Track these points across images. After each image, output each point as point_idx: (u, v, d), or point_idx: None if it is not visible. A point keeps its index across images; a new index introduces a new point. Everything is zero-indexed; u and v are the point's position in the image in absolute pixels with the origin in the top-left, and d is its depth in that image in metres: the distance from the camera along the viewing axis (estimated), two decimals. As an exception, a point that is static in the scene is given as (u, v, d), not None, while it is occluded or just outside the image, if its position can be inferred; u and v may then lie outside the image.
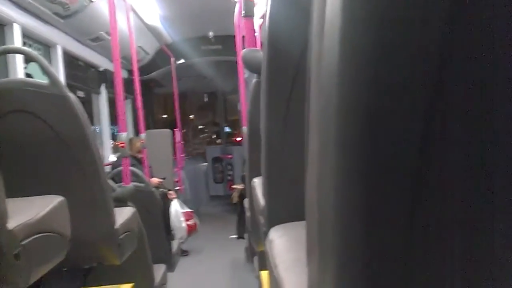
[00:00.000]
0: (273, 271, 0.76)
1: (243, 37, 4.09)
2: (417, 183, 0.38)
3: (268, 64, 1.11)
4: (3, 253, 1.11)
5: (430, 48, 0.36)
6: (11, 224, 1.14)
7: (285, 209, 1.18)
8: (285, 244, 0.86)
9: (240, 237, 4.73)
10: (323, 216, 0.42)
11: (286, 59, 1.10)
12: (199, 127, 9.71)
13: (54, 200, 1.40)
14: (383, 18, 0.36)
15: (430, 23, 0.36)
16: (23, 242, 1.17)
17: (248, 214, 2.27)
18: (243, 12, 2.44)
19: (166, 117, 8.97)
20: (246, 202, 2.81)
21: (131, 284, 2.25)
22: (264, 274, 2.30)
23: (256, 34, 3.12)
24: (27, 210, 1.27)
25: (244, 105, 3.62)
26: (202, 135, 9.65)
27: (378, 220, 0.39)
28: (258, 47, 2.94)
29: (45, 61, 1.79)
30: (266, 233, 1.24)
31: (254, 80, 1.93)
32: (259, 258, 3.03)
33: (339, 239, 0.40)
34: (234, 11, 3.87)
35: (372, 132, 0.38)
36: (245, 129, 3.22)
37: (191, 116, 9.50)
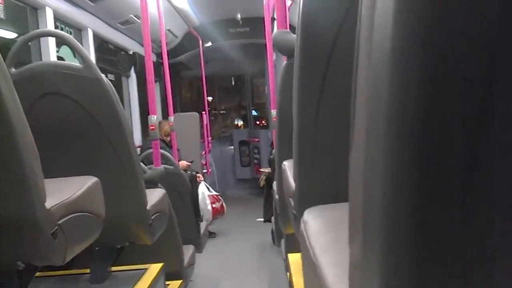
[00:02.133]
0: (309, 251, 0.76)
1: (272, 18, 4.06)
2: (469, 169, 0.38)
3: (302, 46, 1.10)
4: (41, 232, 1.14)
5: (484, 36, 0.35)
6: (49, 203, 1.17)
7: (316, 192, 1.18)
8: (320, 225, 0.86)
9: (267, 220, 4.75)
10: (369, 198, 0.42)
11: (320, 41, 1.08)
12: (225, 110, 9.74)
13: (89, 181, 1.43)
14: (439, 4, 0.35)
15: (484, 10, 0.35)
16: (60, 221, 1.20)
17: (276, 197, 2.27)
18: (274, -7, 2.41)
19: (193, 100, 9.02)
20: (273, 185, 2.81)
21: (161, 264, 2.29)
22: (292, 257, 2.31)
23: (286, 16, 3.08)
24: (63, 190, 1.30)
25: (272, 88, 3.61)
26: (228, 119, 9.68)
27: (428, 203, 0.39)
28: (287, 29, 2.91)
29: (78, 44, 1.81)
30: (296, 216, 1.24)
31: (284, 63, 1.91)
32: (286, 241, 3.04)
33: (386, 221, 0.40)
34: (263, -7, 3.83)
35: (426, 117, 0.37)
36: (273, 112, 3.22)
37: (218, 99, 9.53)
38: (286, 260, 2.69)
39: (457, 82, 0.36)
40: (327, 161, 1.16)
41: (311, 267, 0.73)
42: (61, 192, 1.28)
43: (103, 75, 1.76)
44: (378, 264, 0.41)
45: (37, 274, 2.08)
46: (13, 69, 1.73)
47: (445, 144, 0.37)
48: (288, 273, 2.40)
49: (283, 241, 3.33)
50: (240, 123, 9.43)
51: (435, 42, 0.36)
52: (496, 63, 0.35)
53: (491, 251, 0.39)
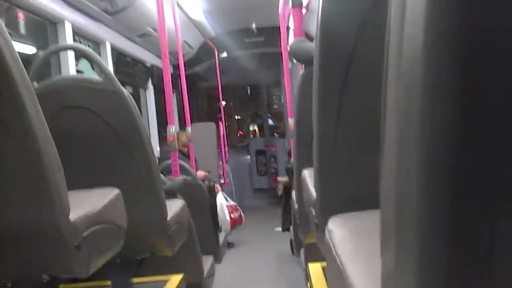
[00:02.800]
0: (335, 260, 0.75)
1: (287, 28, 4.07)
2: (506, 177, 0.37)
3: (321, 54, 1.09)
4: (65, 244, 1.15)
5: None
6: (73, 216, 1.18)
7: (337, 200, 1.17)
8: (345, 234, 0.85)
9: (285, 229, 4.72)
10: (401, 206, 0.41)
11: (339, 48, 1.08)
12: (242, 120, 9.76)
13: (111, 193, 1.44)
14: (470, 6, 0.34)
15: None
16: (84, 234, 1.21)
17: (295, 206, 2.26)
18: (291, 2, 2.41)
19: (209, 111, 9.07)
20: (292, 194, 2.80)
21: (182, 275, 2.29)
22: (312, 266, 2.29)
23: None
24: (86, 202, 1.31)
25: (289, 97, 3.60)
26: (244, 127, 9.69)
27: (461, 213, 0.38)
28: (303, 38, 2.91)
29: (98, 57, 1.84)
30: (318, 225, 1.23)
31: (301, 71, 1.91)
32: (306, 250, 3.02)
33: (420, 230, 0.39)
34: (276, 2, 3.85)
35: (459, 124, 0.36)
36: (291, 121, 3.21)
37: (235, 109, 9.56)
38: (306, 269, 2.67)
39: (493, 90, 0.35)
40: (348, 169, 1.15)
41: (338, 276, 0.73)
42: (84, 204, 1.29)
43: (123, 88, 1.78)
44: (412, 274, 0.40)
45: (60, 286, 2.11)
46: (36, 83, 1.76)
47: (482, 151, 0.36)
48: (308, 283, 2.38)
49: (302, 251, 3.31)
50: (255, 128, 9.44)
51: (468, 49, 0.35)
52: None
53: None
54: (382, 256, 0.50)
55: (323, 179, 1.22)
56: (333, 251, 0.79)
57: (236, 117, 9.62)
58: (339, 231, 0.87)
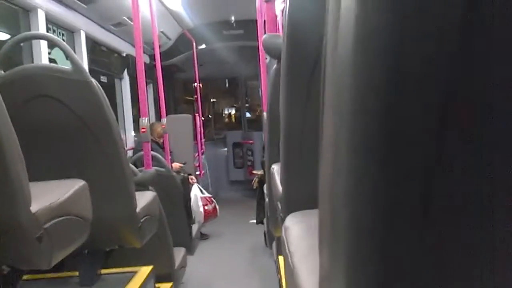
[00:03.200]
0: (288, 258, 0.76)
1: (265, 21, 4.07)
2: (430, 177, 0.38)
3: (289, 50, 1.10)
4: (26, 236, 1.14)
5: (448, 40, 0.35)
6: (34, 207, 1.16)
7: (302, 196, 1.18)
8: (300, 231, 0.86)
9: (259, 222, 4.75)
10: (336, 206, 0.42)
11: (306, 44, 1.09)
12: (219, 112, 9.72)
13: (76, 184, 1.42)
14: (400, 6, 0.35)
15: (448, 13, 0.35)
16: (46, 225, 1.20)
17: (267, 200, 2.27)
18: (265, -4, 2.41)
19: (187, 103, 9.01)
20: (265, 188, 2.81)
21: (151, 267, 2.29)
22: (282, 259, 2.31)
23: (278, 19, 3.09)
24: (50, 194, 1.30)
25: (264, 91, 3.61)
26: (222, 121, 9.66)
27: (391, 212, 0.39)
28: (280, 32, 2.91)
29: (68, 47, 1.81)
30: (283, 220, 1.24)
31: (274, 66, 1.92)
32: (277, 243, 3.04)
33: (352, 230, 0.40)
34: (255, -5, 3.84)
35: (387, 123, 0.37)
36: (266, 114, 3.22)
37: (212, 101, 9.51)
38: (277, 262, 2.69)
39: (418, 93, 0.36)
40: (313, 166, 1.16)
41: (289, 273, 0.74)
42: (47, 195, 1.27)
43: (92, 78, 1.76)
44: (344, 276, 0.41)
45: (26, 277, 2.08)
46: (2, 71, 1.73)
47: (407, 152, 0.37)
48: (279, 275, 2.40)
49: (274, 243, 3.33)
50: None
51: (396, 54, 0.36)
52: (456, 67, 0.36)
53: (452, 257, 0.39)
54: (320, 258, 0.50)
55: (289, 175, 1.23)
56: (287, 248, 0.80)
57: (215, 111, 9.55)
58: (295, 228, 0.88)
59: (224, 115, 9.64)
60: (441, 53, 0.35)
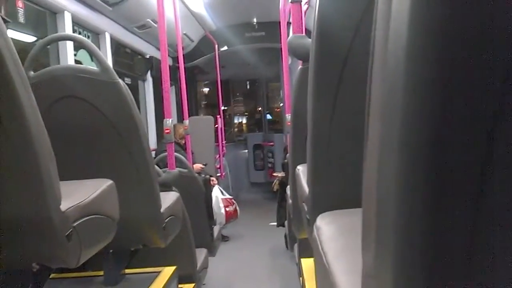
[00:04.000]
0: (322, 258, 0.76)
1: (288, 23, 4.06)
2: (483, 177, 0.37)
3: (317, 50, 1.09)
4: (56, 234, 1.15)
5: (504, 39, 0.34)
6: (64, 205, 1.18)
7: (329, 197, 1.17)
8: (333, 231, 0.86)
9: (280, 224, 4.74)
10: (382, 205, 0.41)
11: (335, 45, 1.08)
12: (240, 114, 9.74)
13: (104, 184, 1.44)
14: (455, 2, 0.34)
15: (502, 11, 0.34)
16: (75, 224, 1.21)
17: (290, 201, 2.26)
18: (290, -3, 2.40)
19: (208, 104, 9.06)
20: (287, 189, 2.80)
21: (174, 267, 2.30)
22: (305, 262, 2.30)
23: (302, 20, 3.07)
24: (79, 193, 1.31)
25: (287, 92, 3.60)
26: (243, 122, 9.68)
27: (441, 211, 0.38)
28: (303, 34, 2.90)
29: (95, 48, 1.83)
30: (309, 221, 1.23)
31: (300, 67, 1.91)
32: (300, 245, 3.03)
33: (400, 229, 0.39)
34: (278, -3, 3.84)
35: (440, 123, 0.36)
36: (288, 116, 3.21)
37: (233, 103, 9.54)
38: (299, 265, 2.68)
39: (473, 88, 0.35)
40: (341, 166, 1.15)
41: (323, 273, 0.73)
42: (76, 194, 1.29)
43: (119, 79, 1.77)
44: (391, 273, 0.40)
45: (52, 275, 2.11)
46: (32, 72, 1.76)
47: (459, 151, 0.36)
48: (301, 278, 2.39)
49: (296, 246, 3.32)
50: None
51: (450, 47, 0.35)
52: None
53: (503, 257, 0.38)
54: (363, 255, 0.50)
55: (316, 176, 1.22)
56: (320, 248, 0.80)
57: (237, 112, 9.57)
58: (327, 228, 0.87)
59: (245, 116, 9.66)
60: (495, 49, 0.34)
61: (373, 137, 0.44)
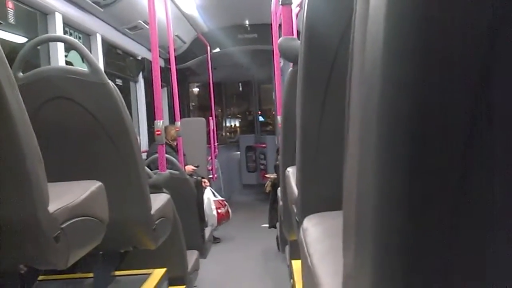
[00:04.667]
0: (307, 260, 0.76)
1: (280, 25, 4.07)
2: (462, 177, 0.37)
3: (306, 53, 1.10)
4: (43, 235, 1.15)
5: (479, 39, 0.35)
6: (52, 207, 1.17)
7: (318, 199, 1.18)
8: (319, 233, 0.86)
9: (272, 226, 4.74)
10: (362, 206, 0.42)
11: (324, 47, 1.08)
12: (233, 115, 9.74)
13: (92, 185, 1.43)
14: (429, 4, 0.35)
15: (477, 11, 0.35)
16: (63, 225, 1.21)
17: (280, 203, 2.27)
18: (281, 0, 2.41)
19: (200, 106, 9.04)
20: (278, 191, 2.81)
21: (164, 269, 2.29)
22: (296, 263, 2.30)
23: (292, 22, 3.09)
24: (67, 194, 1.31)
25: (279, 94, 3.61)
26: (235, 124, 9.68)
27: (419, 213, 0.38)
28: (295, 36, 2.91)
29: (85, 49, 1.83)
30: (298, 223, 1.24)
31: (290, 69, 1.92)
32: (291, 247, 3.03)
33: (378, 230, 0.39)
34: (270, -1, 3.84)
35: (417, 124, 0.37)
36: (279, 118, 3.21)
37: (225, 105, 9.53)
38: (290, 266, 2.68)
39: (450, 89, 0.36)
40: (329, 168, 1.15)
41: (309, 275, 0.73)
42: (64, 196, 1.28)
43: (109, 80, 1.77)
44: (370, 273, 0.41)
45: (41, 277, 2.10)
46: (21, 73, 1.75)
47: (437, 153, 0.37)
48: (291, 280, 2.39)
49: (287, 248, 3.32)
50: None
51: (426, 48, 0.36)
52: (490, 67, 0.35)
53: (485, 258, 0.39)
54: (344, 256, 0.50)
55: (305, 177, 1.22)
56: (306, 250, 0.80)
57: (229, 114, 9.57)
58: (314, 230, 0.88)
59: (237, 118, 9.66)
60: (471, 50, 0.35)
61: (353, 140, 0.45)
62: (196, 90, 8.88)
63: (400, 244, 0.39)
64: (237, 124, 9.60)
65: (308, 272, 0.73)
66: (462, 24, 0.35)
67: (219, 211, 4.90)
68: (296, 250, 2.57)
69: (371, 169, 0.39)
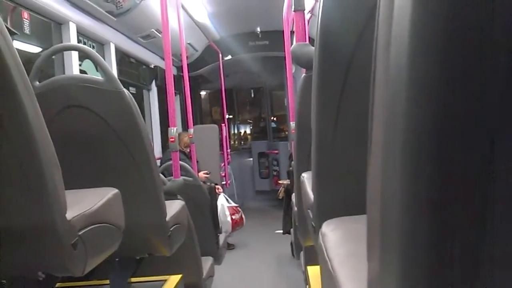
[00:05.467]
0: (327, 264, 0.75)
1: (291, 32, 4.08)
2: (488, 182, 0.37)
3: (320, 58, 1.10)
4: (61, 242, 1.16)
5: (506, 38, 0.34)
6: (69, 214, 1.18)
7: (334, 204, 1.17)
8: (338, 237, 0.85)
9: (286, 232, 4.72)
10: (386, 211, 0.41)
11: (339, 52, 1.08)
12: (245, 122, 9.75)
13: (109, 192, 1.44)
14: (456, 4, 0.35)
15: (502, 12, 0.34)
16: (80, 232, 1.22)
17: (295, 209, 2.26)
18: (293, 6, 2.42)
19: (213, 113, 9.07)
20: (292, 197, 2.80)
21: (180, 276, 2.30)
22: (311, 269, 2.29)
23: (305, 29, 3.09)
24: (84, 201, 1.32)
25: (291, 100, 3.61)
26: (248, 131, 9.68)
27: (446, 218, 0.38)
28: (307, 42, 2.91)
29: (100, 57, 1.85)
30: (314, 228, 1.23)
31: (303, 75, 1.92)
32: (305, 253, 3.02)
33: (404, 235, 0.39)
34: (281, 6, 3.85)
35: (443, 128, 0.36)
36: (292, 124, 3.21)
37: (238, 112, 9.55)
38: (305, 272, 2.67)
39: (475, 92, 0.35)
40: (345, 173, 1.15)
41: (329, 280, 0.73)
42: (81, 203, 1.29)
43: (124, 89, 1.79)
44: (396, 279, 0.40)
45: (58, 284, 2.11)
46: (37, 82, 1.78)
47: (463, 155, 0.36)
48: (307, 286, 2.38)
49: (302, 254, 3.30)
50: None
51: (452, 51, 0.36)
52: None
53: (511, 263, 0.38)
54: (368, 261, 0.50)
55: (320, 182, 1.22)
56: (325, 255, 0.79)
57: (241, 121, 9.58)
58: (333, 234, 0.87)
59: (248, 124, 9.66)
60: (498, 49, 0.35)
61: (377, 142, 0.44)
62: (208, 97, 8.91)
63: (427, 247, 0.38)
64: (248, 131, 9.61)
65: (329, 277, 0.73)
66: (488, 23, 0.34)
67: (233, 217, 4.90)
68: (311, 256, 2.56)
69: (397, 171, 0.39)
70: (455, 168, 0.37)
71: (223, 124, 6.31)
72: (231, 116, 9.04)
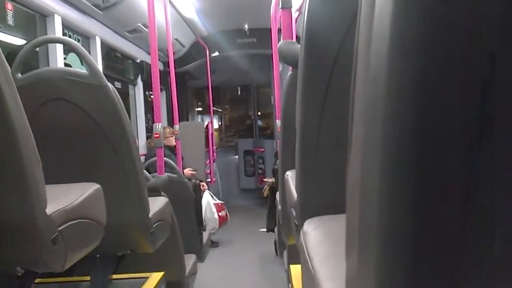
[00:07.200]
0: (308, 263, 0.75)
1: (279, 29, 4.08)
2: (468, 182, 0.37)
3: (306, 56, 1.09)
4: (41, 238, 1.14)
5: (487, 38, 0.34)
6: (49, 209, 1.16)
7: (317, 202, 1.17)
8: (319, 236, 0.85)
9: (270, 230, 4.73)
10: (365, 209, 0.41)
11: (324, 51, 1.08)
12: (231, 120, 9.74)
13: (90, 188, 1.43)
14: (436, 3, 0.35)
15: (484, 12, 0.34)
16: (60, 228, 1.20)
17: (279, 207, 2.26)
18: (280, 4, 2.42)
19: (199, 110, 9.05)
20: (277, 195, 2.80)
21: (162, 273, 2.28)
22: (294, 268, 2.29)
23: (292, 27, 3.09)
24: (65, 196, 1.30)
25: (278, 98, 3.61)
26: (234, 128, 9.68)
27: (424, 215, 0.38)
28: (294, 40, 2.91)
29: (84, 51, 1.82)
30: (297, 227, 1.23)
31: (289, 73, 1.92)
32: (289, 252, 3.02)
33: (382, 233, 0.39)
34: (269, 3, 3.85)
35: (422, 126, 0.36)
36: (278, 122, 3.21)
37: (224, 109, 9.54)
38: (288, 271, 2.67)
39: (455, 90, 0.35)
40: (329, 172, 1.15)
41: (309, 279, 0.73)
42: (62, 198, 1.27)
43: (108, 83, 1.77)
44: (374, 277, 0.40)
45: (37, 280, 2.08)
46: (20, 75, 1.75)
47: (442, 155, 0.36)
48: (289, 285, 2.38)
49: (285, 252, 3.31)
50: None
51: (433, 49, 0.35)
52: (496, 68, 0.35)
53: (489, 266, 0.38)
54: (347, 260, 0.49)
55: (304, 181, 1.22)
56: (306, 254, 0.79)
57: (227, 118, 9.56)
58: (314, 233, 0.87)
59: (235, 122, 9.66)
60: (478, 49, 0.35)
61: (356, 141, 0.44)
62: (194, 93, 8.88)
63: (405, 247, 0.38)
64: (236, 128, 9.60)
65: (309, 276, 0.73)
66: (469, 23, 0.34)
67: (219, 214, 4.90)
68: (295, 254, 2.57)
69: (375, 170, 0.38)
70: (435, 169, 0.37)
71: (208, 121, 6.30)
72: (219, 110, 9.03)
